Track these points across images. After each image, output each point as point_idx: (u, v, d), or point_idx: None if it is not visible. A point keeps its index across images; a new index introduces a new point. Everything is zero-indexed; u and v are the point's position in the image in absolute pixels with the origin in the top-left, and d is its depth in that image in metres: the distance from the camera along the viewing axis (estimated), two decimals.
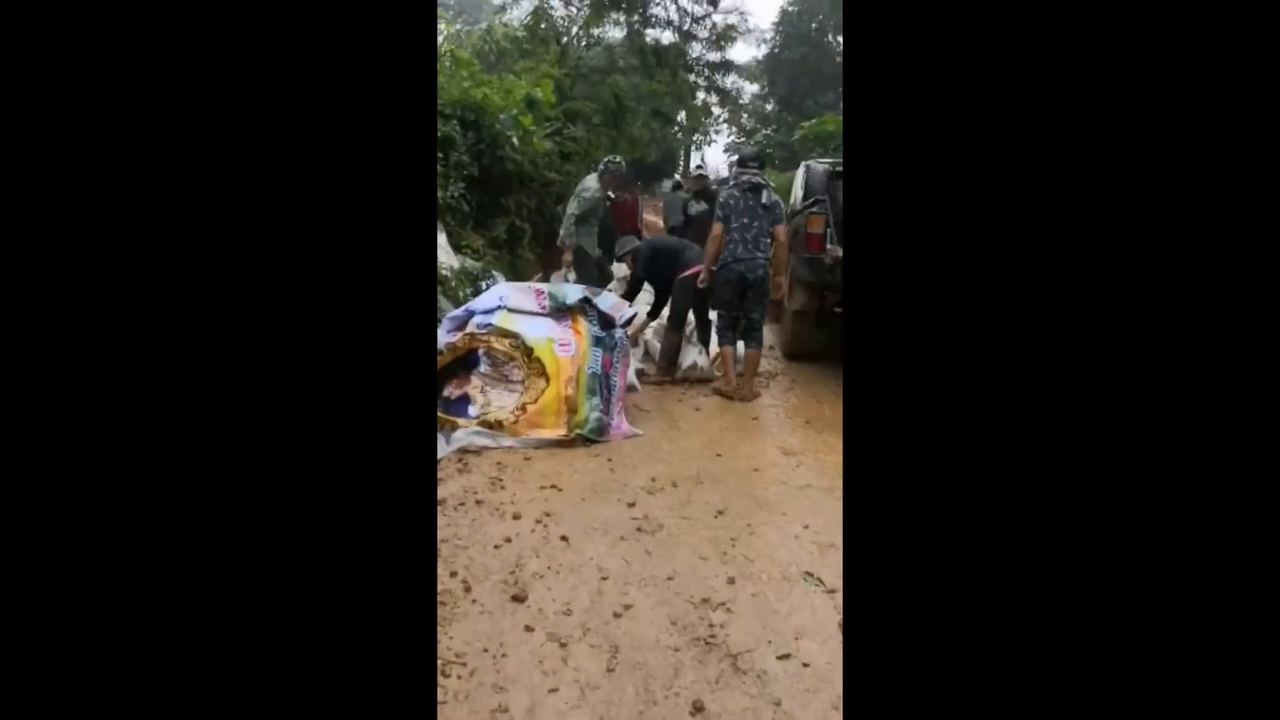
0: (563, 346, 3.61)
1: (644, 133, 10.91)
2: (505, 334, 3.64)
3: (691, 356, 4.89)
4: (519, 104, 6.74)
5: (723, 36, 10.29)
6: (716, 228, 4.60)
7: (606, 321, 3.86)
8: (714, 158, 25.64)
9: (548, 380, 3.54)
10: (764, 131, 22.89)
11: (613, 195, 5.98)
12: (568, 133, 8.01)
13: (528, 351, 3.59)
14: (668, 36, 10.25)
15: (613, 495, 2.92)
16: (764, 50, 20.83)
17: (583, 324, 3.79)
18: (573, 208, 5.65)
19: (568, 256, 5.64)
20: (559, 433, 3.48)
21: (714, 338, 4.97)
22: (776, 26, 23.35)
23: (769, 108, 23.78)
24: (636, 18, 9.99)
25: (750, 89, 18.29)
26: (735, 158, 5.24)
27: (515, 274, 6.83)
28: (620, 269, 6.14)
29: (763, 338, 4.72)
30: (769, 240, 4.59)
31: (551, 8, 10.12)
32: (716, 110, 14.94)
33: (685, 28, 10.11)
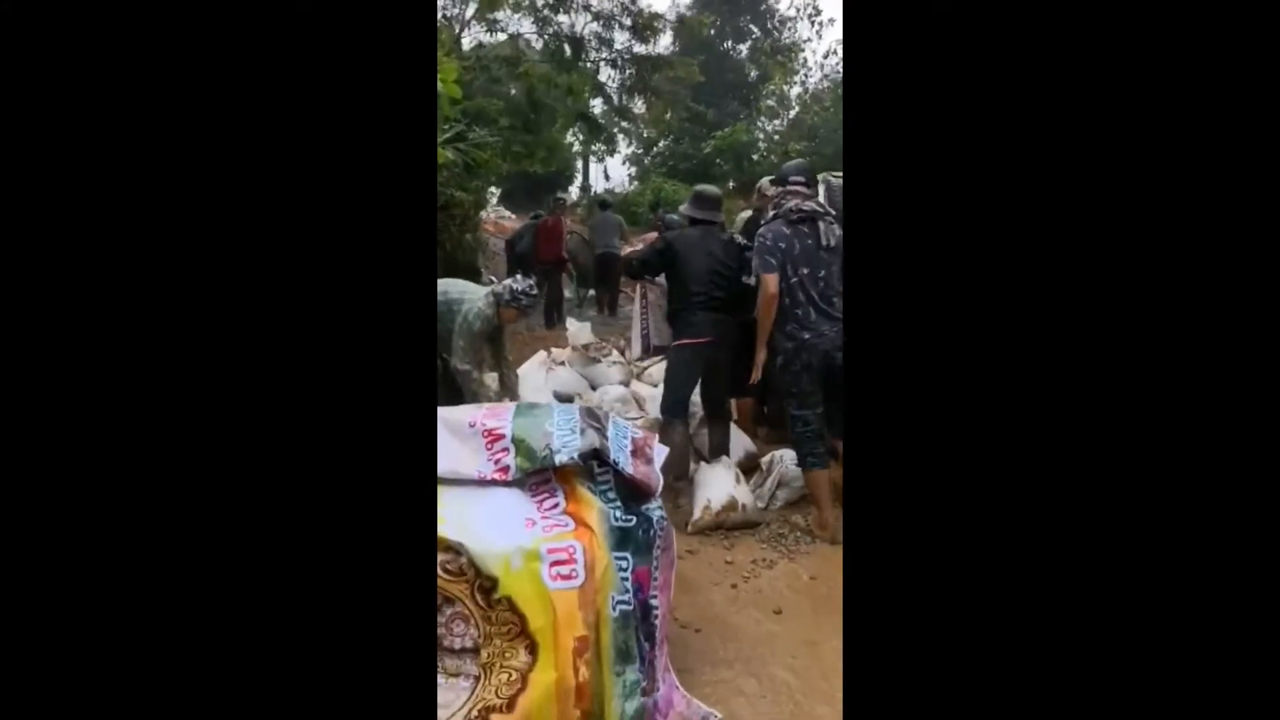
0: (560, 570, 1.71)
1: (558, 139, 9.11)
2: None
3: (725, 489, 3.04)
4: None
5: (647, 26, 8.55)
6: (769, 282, 2.84)
7: (636, 491, 1.99)
8: (616, 171, 23.75)
9: (535, 650, 1.64)
10: (663, 141, 21.42)
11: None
12: (473, 138, 6.04)
13: (484, 585, 1.68)
14: (584, 23, 8.43)
15: None
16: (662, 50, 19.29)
17: (589, 501, 1.90)
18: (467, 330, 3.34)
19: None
20: None
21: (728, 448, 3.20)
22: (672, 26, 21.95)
23: (667, 115, 22.38)
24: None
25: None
26: (776, 176, 3.37)
27: None
28: (580, 329, 4.21)
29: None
30: (840, 296, 2.89)
31: None
32: (642, 114, 13.13)
33: (606, 13, 8.31)
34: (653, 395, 3.87)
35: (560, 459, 1.88)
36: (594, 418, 2.10)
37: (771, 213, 3.06)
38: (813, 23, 20.31)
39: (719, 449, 3.38)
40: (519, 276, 3.50)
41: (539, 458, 1.88)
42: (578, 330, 4.14)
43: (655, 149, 21.72)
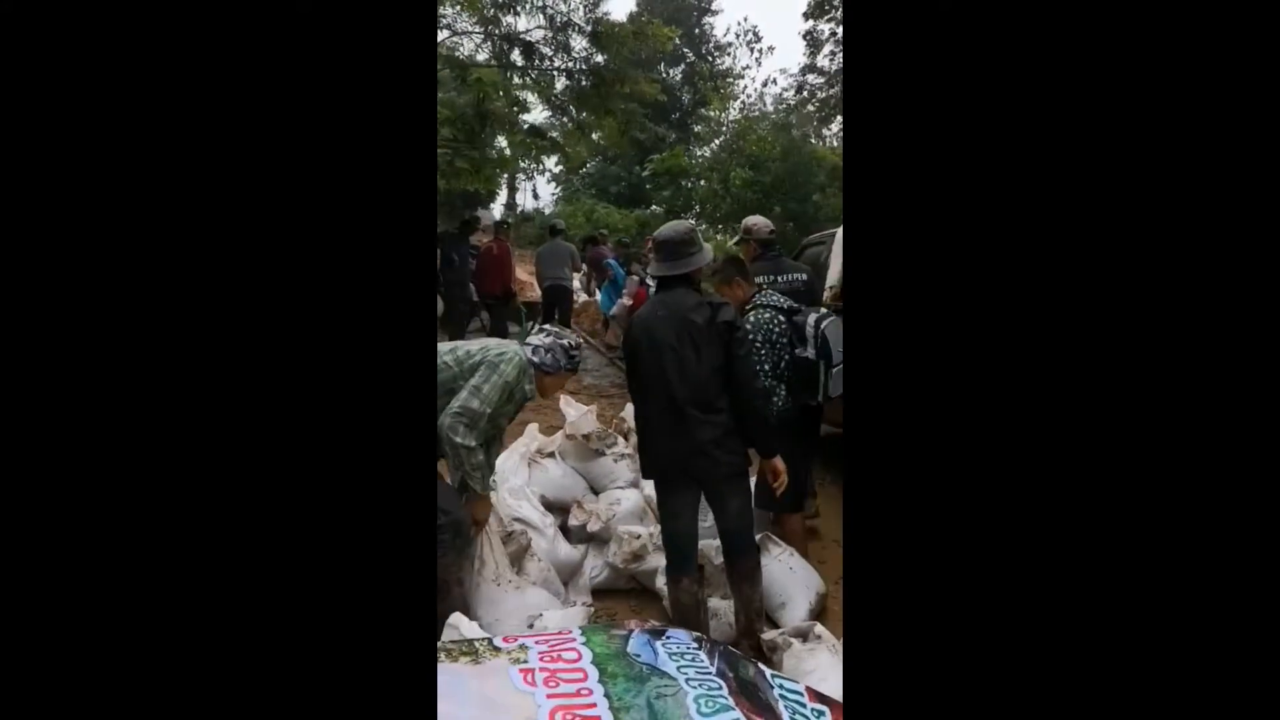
0: None
1: (506, 156, 8.07)
2: None
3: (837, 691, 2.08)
4: None
5: (608, 33, 7.67)
6: None
7: None
8: (545, 190, 22.73)
9: None
10: (593, 162, 20.52)
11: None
12: None
13: None
14: (535, 25, 7.45)
15: None
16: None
17: None
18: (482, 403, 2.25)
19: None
20: None
21: None
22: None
23: (596, 135, 21.56)
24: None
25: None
26: None
27: None
28: (581, 415, 3.11)
29: None
30: None
31: None
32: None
33: (563, 16, 7.36)
34: None
35: None
36: (753, 701, 1.12)
37: None
38: (751, 49, 19.99)
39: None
40: (547, 327, 2.54)
41: None
42: (578, 417, 3.10)
43: (584, 168, 20.83)
